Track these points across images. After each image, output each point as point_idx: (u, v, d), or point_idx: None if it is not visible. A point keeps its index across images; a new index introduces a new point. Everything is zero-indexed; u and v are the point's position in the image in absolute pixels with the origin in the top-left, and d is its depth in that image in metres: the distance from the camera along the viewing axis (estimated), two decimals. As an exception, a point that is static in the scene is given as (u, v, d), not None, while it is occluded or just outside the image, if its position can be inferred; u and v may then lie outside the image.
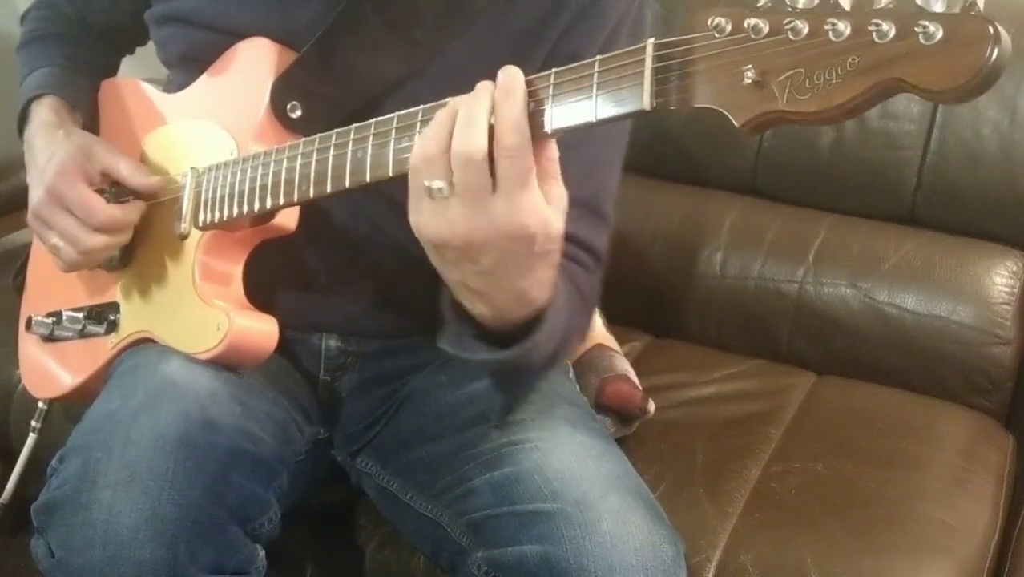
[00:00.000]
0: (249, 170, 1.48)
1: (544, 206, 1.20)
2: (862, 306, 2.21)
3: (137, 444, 1.36)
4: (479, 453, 1.54)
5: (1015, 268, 2.18)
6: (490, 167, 1.18)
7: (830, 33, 0.96)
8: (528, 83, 1.19)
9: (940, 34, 0.91)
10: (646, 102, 1.09)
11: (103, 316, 1.68)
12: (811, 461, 1.89)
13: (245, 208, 1.47)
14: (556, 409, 1.57)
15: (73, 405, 1.77)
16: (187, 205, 1.55)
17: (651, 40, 1.10)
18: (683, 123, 2.35)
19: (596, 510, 1.38)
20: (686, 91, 1.07)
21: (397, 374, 1.73)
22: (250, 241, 1.56)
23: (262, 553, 1.47)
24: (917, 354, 2.18)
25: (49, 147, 1.65)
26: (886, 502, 1.80)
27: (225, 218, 1.50)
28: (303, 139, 1.42)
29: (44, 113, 1.73)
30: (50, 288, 1.82)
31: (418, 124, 1.28)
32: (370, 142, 1.33)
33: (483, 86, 1.21)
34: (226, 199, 1.50)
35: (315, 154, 1.39)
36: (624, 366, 2.00)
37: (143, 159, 1.68)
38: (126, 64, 1.98)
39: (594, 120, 1.14)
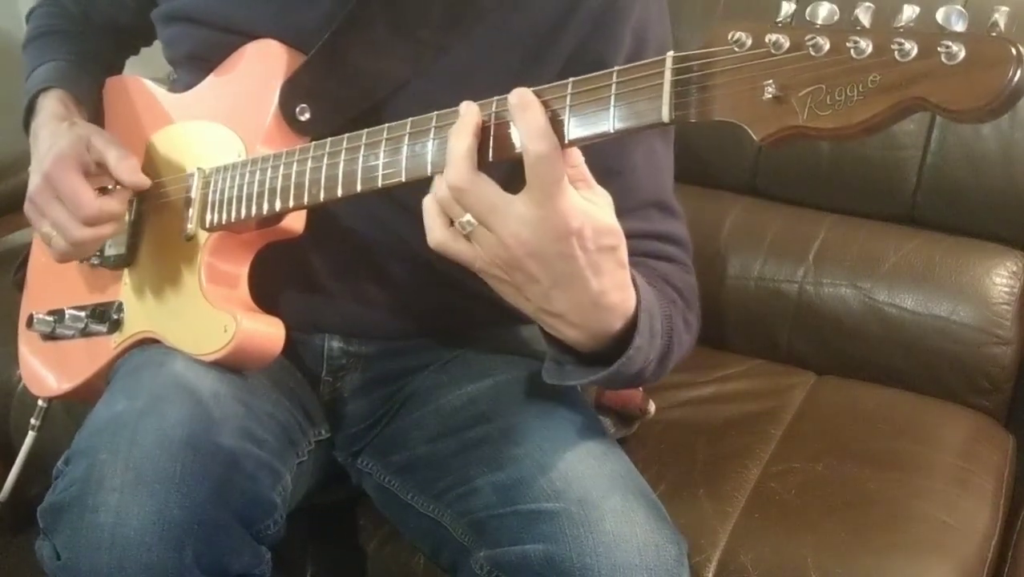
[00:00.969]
0: (258, 172, 1.47)
1: (583, 203, 1.20)
2: (862, 306, 2.21)
3: (143, 446, 1.35)
4: (481, 453, 1.54)
5: (1015, 268, 2.18)
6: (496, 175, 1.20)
7: (852, 50, 0.96)
8: (545, 93, 1.19)
9: (962, 54, 0.91)
10: (665, 115, 1.09)
11: (106, 315, 1.68)
12: (811, 461, 1.90)
13: (253, 210, 1.47)
14: (558, 409, 1.56)
15: (74, 404, 1.77)
16: (194, 206, 1.55)
17: (670, 53, 1.10)
18: (683, 123, 2.32)
19: (599, 509, 1.38)
20: (705, 104, 1.07)
21: (399, 375, 1.73)
22: (256, 243, 1.56)
23: (267, 555, 1.46)
24: (917, 354, 2.18)
25: (52, 136, 1.65)
26: (886, 502, 1.80)
27: (232, 220, 1.50)
28: (314, 142, 1.42)
29: (52, 105, 1.73)
30: (51, 286, 1.82)
31: (432, 129, 1.28)
32: (382, 147, 1.33)
33: (462, 120, 1.23)
34: (234, 201, 1.50)
35: (326, 158, 1.39)
36: (625, 366, 2.00)
37: (149, 158, 1.68)
38: (130, 63, 1.98)
39: (611, 131, 1.14)
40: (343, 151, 1.37)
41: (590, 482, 1.42)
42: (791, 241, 2.31)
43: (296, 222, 1.53)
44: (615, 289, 1.27)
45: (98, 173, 1.60)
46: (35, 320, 1.75)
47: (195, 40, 1.65)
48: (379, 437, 1.73)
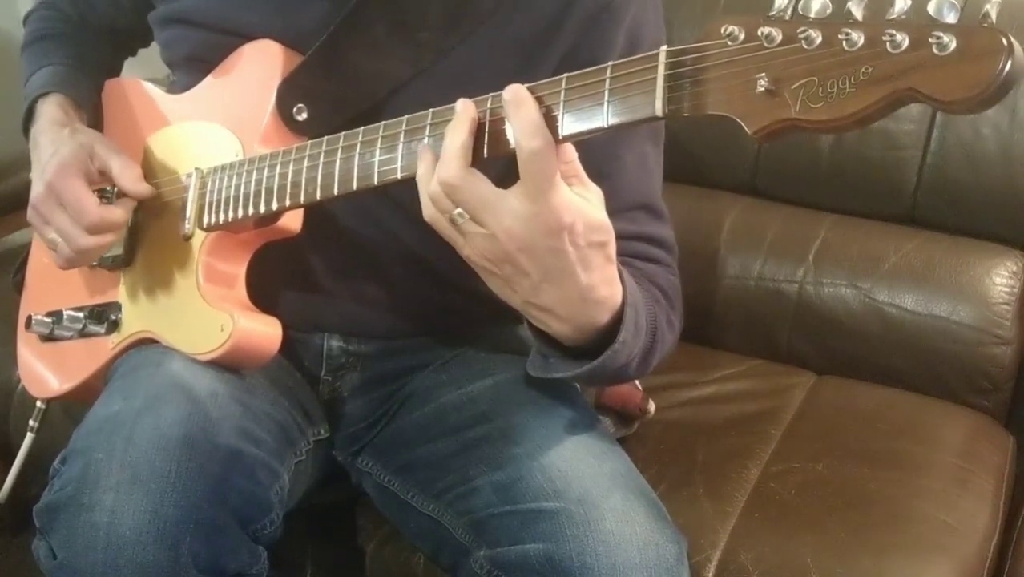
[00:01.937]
0: (255, 172, 1.47)
1: (576, 198, 1.21)
2: (862, 306, 2.21)
3: (139, 445, 1.35)
4: (481, 452, 1.54)
5: (1015, 268, 2.18)
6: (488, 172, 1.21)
7: (844, 43, 0.96)
8: (539, 89, 1.19)
9: (953, 45, 0.91)
10: (658, 109, 1.10)
11: (104, 316, 1.68)
12: (811, 461, 1.90)
13: (250, 210, 1.47)
14: (558, 408, 1.56)
15: (73, 404, 1.77)
16: (191, 206, 1.55)
17: (664, 47, 1.10)
18: (683, 123, 2.31)
19: (599, 508, 1.38)
20: (698, 98, 1.07)
21: (398, 374, 1.73)
22: (254, 243, 1.56)
23: (264, 554, 1.46)
24: (917, 354, 2.18)
25: (54, 143, 1.65)
26: (886, 502, 1.80)
27: (230, 220, 1.50)
28: (310, 141, 1.42)
29: (51, 111, 1.73)
30: (50, 287, 1.82)
31: (428, 127, 1.29)
32: (378, 145, 1.33)
33: (458, 117, 1.24)
34: (231, 201, 1.50)
35: (322, 156, 1.39)
36: (625, 366, 2.00)
37: (148, 159, 1.69)
38: (128, 64, 1.98)
39: (605, 126, 1.15)
40: (339, 149, 1.37)
41: (590, 481, 1.42)
42: (791, 241, 2.31)
43: (293, 222, 1.53)
44: (603, 284, 1.28)
45: (101, 182, 1.61)
46: (34, 321, 1.76)
47: (193, 42, 1.65)
48: (379, 437, 1.73)
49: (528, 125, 1.16)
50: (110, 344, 1.66)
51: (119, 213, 1.59)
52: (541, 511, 1.40)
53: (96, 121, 1.81)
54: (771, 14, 1.02)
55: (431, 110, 1.29)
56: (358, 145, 1.35)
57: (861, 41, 0.95)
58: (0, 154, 2.27)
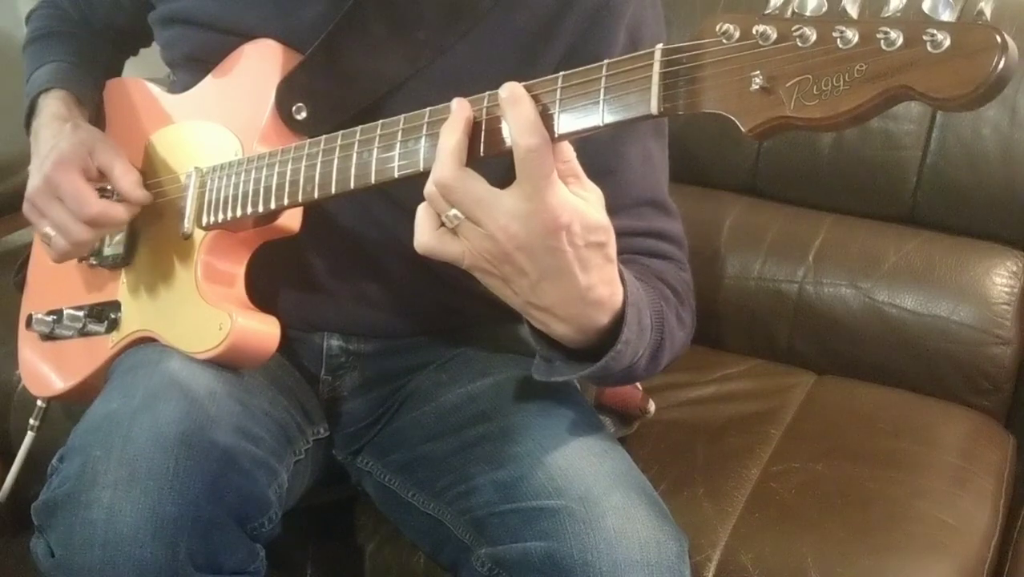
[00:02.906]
0: (253, 171, 1.48)
1: (573, 198, 1.20)
2: (862, 306, 2.21)
3: (137, 443, 1.35)
4: (481, 451, 1.54)
5: (1015, 268, 2.18)
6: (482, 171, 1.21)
7: (838, 40, 0.96)
8: (536, 87, 1.19)
9: (947, 42, 0.91)
10: (654, 107, 1.10)
11: (104, 315, 1.68)
12: (811, 461, 1.90)
13: (249, 209, 1.47)
14: (559, 407, 1.56)
15: (73, 404, 1.77)
16: (191, 205, 1.55)
17: (659, 45, 1.10)
18: (683, 123, 2.28)
19: (600, 506, 1.38)
20: (694, 96, 1.07)
21: (398, 373, 1.73)
22: (253, 242, 1.56)
23: (262, 553, 1.46)
24: (917, 354, 2.18)
25: (54, 137, 1.65)
26: (886, 502, 1.80)
27: (229, 219, 1.50)
28: (308, 140, 1.42)
29: (53, 105, 1.74)
30: (51, 286, 1.82)
31: (424, 126, 1.28)
32: (376, 144, 1.33)
33: (453, 117, 1.24)
34: (230, 200, 1.50)
35: (320, 156, 1.39)
36: (625, 366, 2.00)
37: (148, 158, 1.69)
38: (129, 64, 1.99)
39: (601, 124, 1.15)
40: (337, 148, 1.37)
41: (591, 479, 1.42)
42: (791, 241, 2.31)
43: (292, 221, 1.53)
44: (602, 284, 1.27)
45: (99, 179, 1.61)
46: (34, 320, 1.76)
47: (192, 42, 1.65)
48: (379, 436, 1.74)
49: (524, 123, 1.16)
50: (110, 343, 1.67)
51: (121, 210, 1.59)
52: (542, 509, 1.40)
53: (98, 119, 1.81)
54: (767, 12, 1.02)
55: (428, 109, 1.29)
56: (356, 144, 1.35)
57: (855, 39, 0.95)
58: (0, 154, 2.28)
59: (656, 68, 1.09)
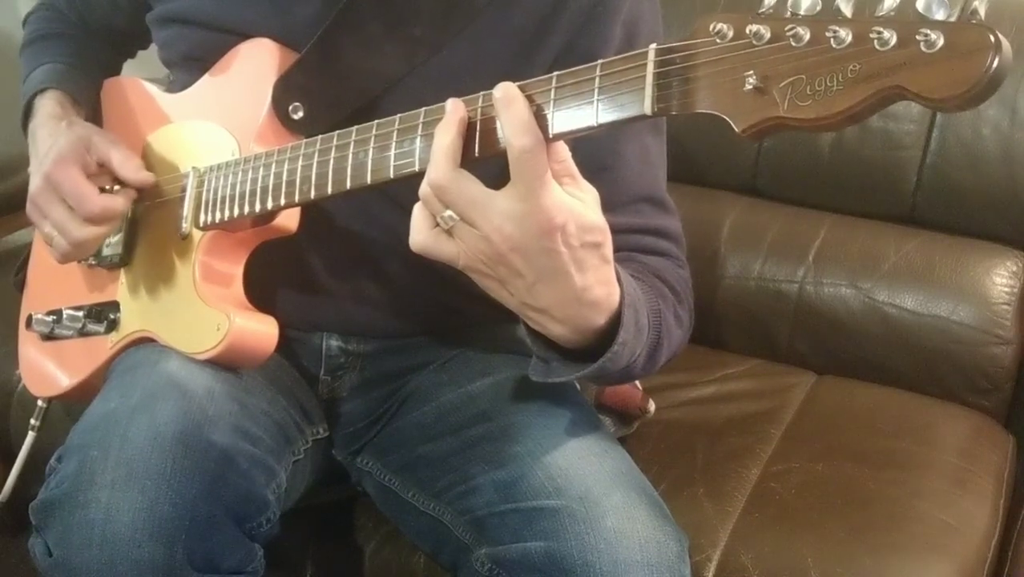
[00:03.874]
0: (251, 171, 1.48)
1: (568, 198, 1.20)
2: (862, 306, 2.21)
3: (134, 443, 1.36)
4: (481, 451, 1.54)
5: (1015, 268, 2.18)
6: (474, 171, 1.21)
7: (832, 40, 0.96)
8: (530, 87, 1.19)
9: (941, 42, 0.90)
10: (647, 107, 1.09)
11: (103, 315, 1.68)
12: (811, 461, 1.90)
13: (246, 209, 1.47)
14: (559, 407, 1.56)
15: (73, 404, 1.78)
16: (188, 205, 1.55)
17: (653, 45, 1.10)
18: (683, 123, 2.27)
19: (600, 506, 1.38)
20: (687, 96, 1.07)
21: (398, 373, 1.73)
22: (251, 242, 1.56)
23: (260, 552, 1.46)
24: (917, 354, 2.18)
25: (51, 136, 1.66)
26: (886, 502, 1.80)
27: (226, 219, 1.50)
28: (304, 140, 1.42)
29: (49, 105, 1.74)
30: (51, 286, 1.82)
31: (420, 125, 1.28)
32: (371, 144, 1.33)
33: (447, 117, 1.24)
34: (227, 200, 1.50)
35: (316, 156, 1.39)
36: (625, 366, 2.00)
37: (146, 158, 1.68)
38: (128, 64, 1.99)
39: (595, 125, 1.14)
40: (333, 148, 1.37)
41: (591, 479, 1.42)
42: (791, 241, 2.31)
43: (290, 221, 1.53)
44: (599, 284, 1.26)
45: (98, 173, 1.61)
46: (34, 320, 1.76)
47: (190, 41, 1.65)
48: (379, 436, 1.74)
49: (517, 123, 1.15)
50: (109, 343, 1.67)
51: (120, 201, 1.59)
52: (542, 509, 1.40)
53: (94, 119, 1.81)
54: (760, 11, 1.02)
55: (423, 108, 1.28)
56: (351, 144, 1.35)
57: (849, 39, 0.95)
58: (0, 154, 2.28)
59: (650, 68, 1.09)
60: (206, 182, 1.54)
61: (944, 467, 1.92)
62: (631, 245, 1.51)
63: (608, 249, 1.25)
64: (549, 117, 1.17)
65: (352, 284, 1.66)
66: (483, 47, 1.51)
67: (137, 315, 1.64)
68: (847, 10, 0.97)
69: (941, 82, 0.91)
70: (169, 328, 1.57)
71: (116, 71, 1.95)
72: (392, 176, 1.31)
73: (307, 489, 1.71)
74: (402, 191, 1.32)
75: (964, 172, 2.20)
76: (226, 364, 1.52)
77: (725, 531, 1.75)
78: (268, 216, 1.51)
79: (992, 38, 0.90)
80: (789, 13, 1.00)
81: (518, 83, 1.19)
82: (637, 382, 1.94)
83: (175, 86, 1.73)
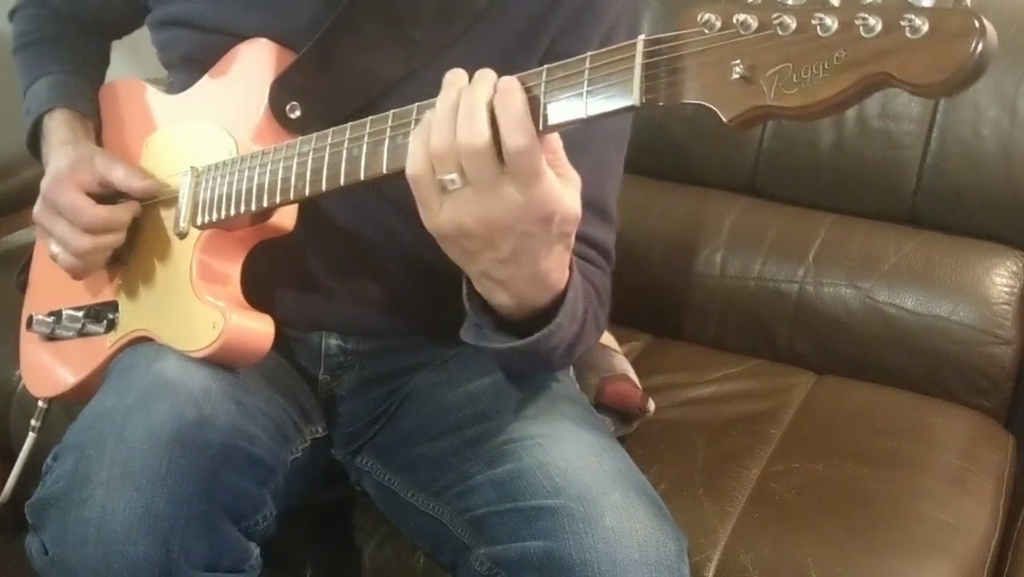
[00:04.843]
0: (247, 169, 1.48)
1: (561, 188, 1.22)
2: (862, 306, 2.21)
3: (130, 442, 1.36)
4: (480, 450, 1.54)
5: (1015, 268, 2.18)
6: (498, 151, 1.19)
7: (818, 28, 0.96)
8: (523, 80, 1.19)
9: (926, 28, 0.90)
10: (635, 98, 1.10)
11: (102, 315, 1.69)
12: (811, 461, 1.90)
13: (242, 208, 1.48)
14: (557, 406, 1.57)
15: (73, 405, 1.78)
16: (186, 205, 1.56)
17: (641, 36, 1.10)
18: (683, 123, 2.36)
19: (599, 505, 1.38)
20: (675, 87, 1.07)
21: (397, 373, 1.74)
22: (249, 241, 1.57)
23: (257, 551, 1.47)
24: (917, 354, 2.18)
25: (57, 161, 1.67)
26: (886, 502, 1.80)
27: (223, 217, 1.51)
28: (300, 138, 1.42)
29: (60, 131, 1.74)
30: (52, 287, 1.82)
31: (412, 122, 1.28)
32: (365, 140, 1.33)
33: (480, 76, 1.23)
34: (224, 199, 1.50)
35: (311, 152, 1.39)
36: (624, 366, 2.00)
37: (146, 160, 1.69)
38: (126, 66, 1.99)
39: (584, 116, 1.15)
40: (328, 145, 1.37)
41: (590, 478, 1.42)
42: (791, 241, 2.31)
43: (287, 219, 1.53)
44: (558, 269, 1.31)
45: (100, 191, 1.62)
46: (35, 321, 1.77)
47: (189, 43, 1.66)
48: (378, 436, 1.74)
49: (514, 121, 1.17)
50: (108, 343, 1.67)
51: (119, 211, 1.60)
52: (541, 508, 1.40)
53: (98, 122, 1.82)
54: (748, 0, 1.02)
55: (416, 104, 1.29)
56: (346, 141, 1.35)
57: (835, 26, 0.95)
58: (0, 154, 2.29)
59: (638, 59, 1.09)
60: (204, 181, 1.54)
61: (944, 467, 1.92)
62: None
63: (572, 238, 1.30)
64: (540, 109, 1.18)
65: (351, 283, 1.66)
66: (480, 51, 1.51)
67: (135, 314, 1.65)
68: None
69: (926, 67, 0.91)
70: (166, 326, 1.58)
71: (107, 58, 1.96)
72: (385, 171, 1.31)
73: (306, 489, 1.72)
74: (402, 190, 1.32)
75: (964, 172, 2.20)
76: (222, 362, 1.53)
77: (725, 531, 1.74)
78: (265, 214, 1.51)
79: (976, 23, 0.90)
80: (771, 1, 1.00)
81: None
82: (637, 381, 1.94)
83: (174, 87, 1.73)
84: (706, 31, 1.04)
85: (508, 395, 1.60)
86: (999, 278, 2.17)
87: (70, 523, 1.33)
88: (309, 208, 1.53)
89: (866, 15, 0.93)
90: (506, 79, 1.20)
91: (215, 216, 1.52)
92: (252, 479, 1.46)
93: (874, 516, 1.77)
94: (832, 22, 0.95)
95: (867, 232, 2.29)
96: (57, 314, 1.75)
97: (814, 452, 1.92)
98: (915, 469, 1.89)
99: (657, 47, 1.08)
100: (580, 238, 1.52)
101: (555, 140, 1.24)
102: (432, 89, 1.29)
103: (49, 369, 1.80)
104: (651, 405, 1.95)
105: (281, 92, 1.53)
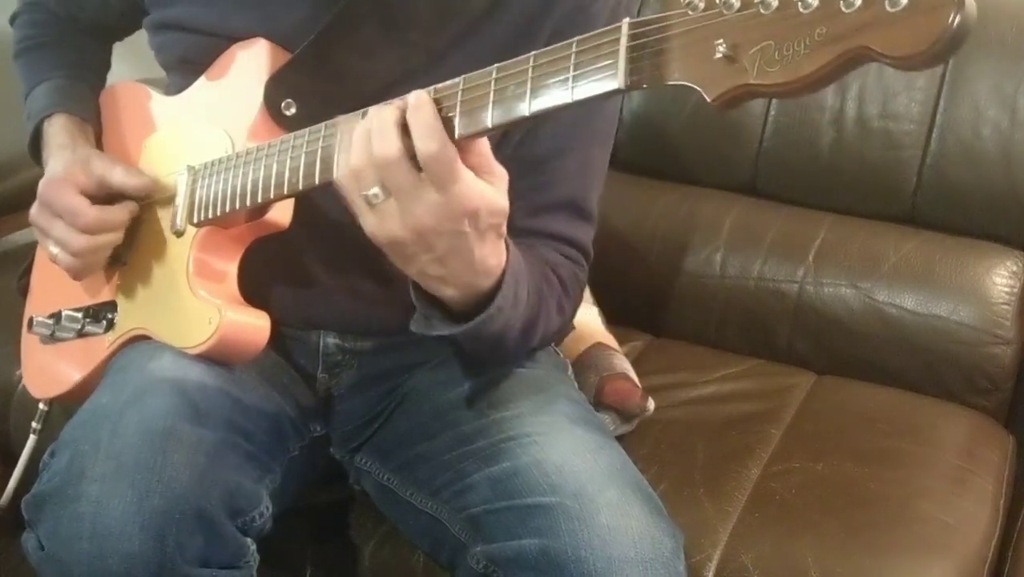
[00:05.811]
0: (242, 166, 1.48)
1: (481, 186, 1.26)
2: (862, 306, 2.21)
3: (124, 437, 1.37)
4: (477, 448, 1.54)
5: (1015, 268, 2.18)
6: (413, 161, 1.24)
7: (799, 5, 0.96)
8: (509, 67, 1.21)
9: (905, 1, 0.91)
10: (620, 81, 1.10)
11: (101, 315, 1.69)
12: (811, 461, 1.89)
13: (237, 204, 1.48)
14: (554, 404, 1.57)
15: (73, 406, 1.78)
16: (183, 203, 1.56)
17: (626, 20, 1.11)
18: (683, 123, 2.36)
19: (594, 503, 1.38)
20: (659, 68, 1.07)
21: (395, 372, 1.74)
22: (245, 238, 1.57)
23: (253, 547, 1.47)
24: (917, 354, 2.18)
25: (55, 164, 1.68)
26: (886, 502, 1.79)
27: (219, 214, 1.51)
28: (294, 132, 1.43)
29: (59, 136, 1.75)
30: (52, 289, 1.83)
31: None
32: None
33: (390, 101, 1.28)
34: (219, 195, 1.51)
35: (305, 146, 1.39)
36: (624, 365, 2.00)
37: (145, 161, 1.70)
38: (126, 66, 2.00)
39: (571, 101, 1.15)
40: (321, 138, 1.38)
41: (586, 476, 1.42)
42: (791, 241, 2.31)
43: (282, 216, 1.54)
44: (493, 256, 1.34)
45: (97, 192, 1.62)
46: (35, 323, 1.77)
47: (186, 45, 1.66)
48: (377, 434, 1.74)
49: (425, 128, 1.22)
50: (106, 342, 1.67)
51: (116, 211, 1.61)
52: (537, 506, 1.40)
53: (97, 125, 1.83)
54: None
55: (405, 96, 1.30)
56: (338, 133, 1.36)
57: (816, 3, 0.95)
58: (0, 154, 2.29)
59: (623, 42, 1.09)
60: (200, 179, 1.55)
61: (944, 467, 1.92)
62: (540, 245, 1.59)
63: (503, 228, 1.33)
64: (526, 96, 1.19)
65: (349, 281, 1.67)
66: (476, 53, 1.50)
67: (133, 313, 1.65)
68: None
69: (905, 40, 0.91)
70: (162, 324, 1.58)
71: (108, 62, 1.97)
72: None
73: (305, 487, 1.73)
74: None
75: (964, 172, 2.20)
76: (219, 358, 1.53)
77: (725, 531, 1.74)
78: (261, 211, 1.52)
79: None
80: None
81: (500, 64, 1.23)
82: (636, 380, 1.94)
83: (172, 89, 1.73)
84: (690, 12, 1.04)
85: (505, 393, 1.60)
86: (999, 278, 2.16)
87: (65, 519, 1.34)
88: (304, 205, 1.54)
89: None
90: (415, 93, 1.25)
91: (211, 213, 1.52)
92: (248, 475, 1.47)
93: (874, 516, 1.76)
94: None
95: (867, 232, 2.29)
96: (57, 315, 1.75)
97: (814, 452, 1.92)
98: (915, 469, 1.89)
99: (642, 29, 1.09)
100: (556, 236, 1.58)
101: (483, 144, 1.27)
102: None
103: (49, 370, 1.81)
104: (651, 404, 1.95)
105: (276, 89, 1.53)
